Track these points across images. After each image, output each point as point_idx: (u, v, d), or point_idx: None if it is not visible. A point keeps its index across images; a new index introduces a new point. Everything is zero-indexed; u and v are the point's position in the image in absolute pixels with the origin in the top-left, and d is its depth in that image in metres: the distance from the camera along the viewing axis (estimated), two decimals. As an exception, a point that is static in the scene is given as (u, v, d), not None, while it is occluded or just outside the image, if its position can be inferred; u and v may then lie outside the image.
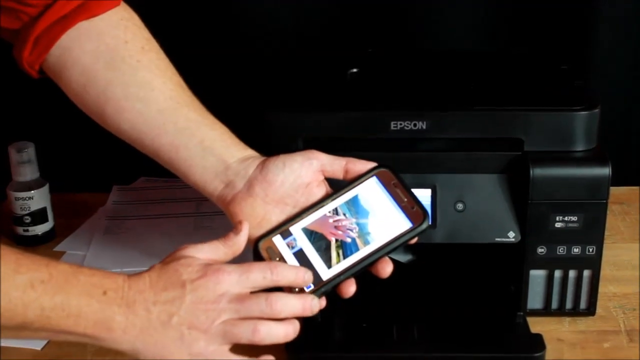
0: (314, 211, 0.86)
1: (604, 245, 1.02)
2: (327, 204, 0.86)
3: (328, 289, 0.82)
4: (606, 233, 1.01)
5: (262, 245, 0.86)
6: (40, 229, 1.26)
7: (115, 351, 1.00)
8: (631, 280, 1.15)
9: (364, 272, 0.85)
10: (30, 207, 1.24)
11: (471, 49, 1.35)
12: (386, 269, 0.86)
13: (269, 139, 1.01)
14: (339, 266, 0.83)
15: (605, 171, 0.98)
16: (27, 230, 1.25)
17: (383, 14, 1.40)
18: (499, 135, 1.00)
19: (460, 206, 1.01)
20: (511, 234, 1.01)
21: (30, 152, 1.23)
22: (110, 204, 1.38)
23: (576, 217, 0.99)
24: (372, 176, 0.87)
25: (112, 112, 0.92)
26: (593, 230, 1.00)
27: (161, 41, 1.41)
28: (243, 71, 1.42)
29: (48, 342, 1.02)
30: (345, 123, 1.01)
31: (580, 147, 1.00)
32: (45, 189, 1.25)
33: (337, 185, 0.89)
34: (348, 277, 0.83)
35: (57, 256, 1.22)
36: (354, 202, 0.86)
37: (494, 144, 1.01)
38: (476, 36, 1.41)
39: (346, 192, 0.87)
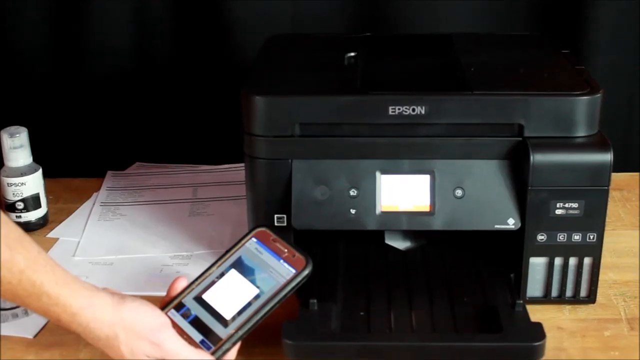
0: (202, 280, 0.92)
1: (604, 232, 1.00)
2: (213, 270, 0.93)
3: (229, 347, 0.88)
4: (606, 220, 1.00)
5: None
6: (33, 215, 1.24)
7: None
8: (632, 267, 1.14)
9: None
10: (23, 193, 1.22)
11: (471, 32, 1.33)
12: None
13: (266, 124, 1.00)
14: (235, 323, 0.88)
15: (607, 157, 0.97)
16: (20, 217, 1.23)
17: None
18: (498, 120, 0.99)
19: (459, 192, 1.00)
20: (511, 221, 0.99)
21: (23, 137, 1.21)
22: (105, 189, 1.37)
23: (577, 204, 0.98)
24: (251, 238, 0.94)
25: None
26: (594, 217, 0.99)
27: (156, 20, 1.42)
28: (239, 56, 1.41)
29: (41, 330, 1.01)
30: (343, 108, 0.99)
31: (581, 132, 0.99)
32: (38, 175, 1.24)
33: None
34: (247, 331, 0.88)
35: (51, 242, 1.21)
36: (239, 263, 0.93)
37: (493, 129, 0.99)
38: (476, 20, 1.40)
39: (230, 256, 0.94)
